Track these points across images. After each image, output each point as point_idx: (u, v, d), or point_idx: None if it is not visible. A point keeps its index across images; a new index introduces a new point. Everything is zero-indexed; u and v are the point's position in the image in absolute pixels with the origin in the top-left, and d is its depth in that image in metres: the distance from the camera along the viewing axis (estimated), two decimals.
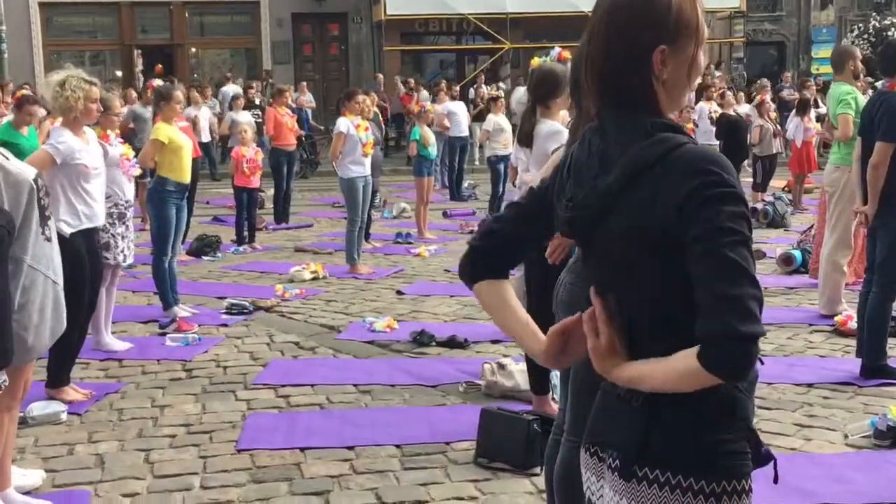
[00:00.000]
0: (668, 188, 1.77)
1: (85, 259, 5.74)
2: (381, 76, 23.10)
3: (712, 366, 1.70)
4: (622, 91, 1.88)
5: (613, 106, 1.90)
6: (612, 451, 1.91)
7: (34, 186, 3.46)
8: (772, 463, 1.90)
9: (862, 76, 8.63)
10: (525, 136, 5.38)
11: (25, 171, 3.50)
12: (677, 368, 1.74)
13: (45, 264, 3.68)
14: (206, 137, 17.70)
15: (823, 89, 17.27)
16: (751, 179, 14.84)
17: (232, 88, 20.79)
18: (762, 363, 1.84)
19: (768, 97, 15.71)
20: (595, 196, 1.86)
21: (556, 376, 5.42)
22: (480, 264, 2.07)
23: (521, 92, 12.57)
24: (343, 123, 9.84)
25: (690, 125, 14.09)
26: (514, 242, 2.08)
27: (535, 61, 6.18)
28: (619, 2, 1.88)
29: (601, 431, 1.97)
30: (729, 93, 15.43)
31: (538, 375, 5.36)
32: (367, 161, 9.88)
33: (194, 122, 16.63)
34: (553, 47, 6.32)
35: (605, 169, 1.87)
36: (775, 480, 1.93)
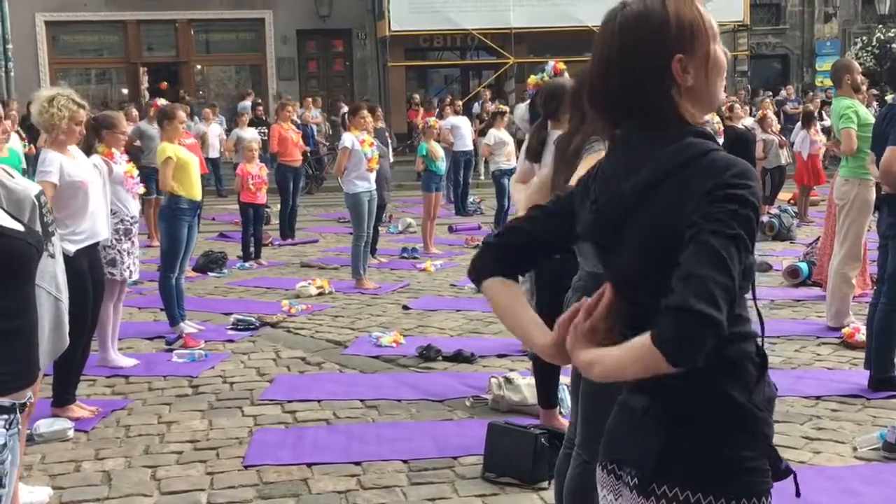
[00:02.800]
0: (691, 192, 1.76)
1: (88, 277, 5.74)
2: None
3: (660, 340, 1.65)
4: (643, 110, 1.87)
5: (636, 124, 1.90)
6: (630, 469, 1.89)
7: (35, 203, 3.46)
8: (791, 477, 1.89)
9: (864, 88, 8.62)
10: (534, 151, 5.37)
11: (28, 187, 3.50)
12: (633, 347, 1.71)
13: (48, 281, 3.68)
14: (214, 153, 17.77)
15: (829, 101, 17.27)
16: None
17: (249, 103, 20.88)
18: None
19: (769, 111, 15.70)
20: (622, 197, 1.85)
21: (564, 390, 5.41)
22: (494, 259, 2.02)
23: (522, 108, 12.61)
24: (348, 139, 9.86)
25: None
26: (530, 241, 2.03)
27: (532, 79, 6.22)
28: (617, 31, 1.88)
29: (619, 448, 1.94)
30: (737, 106, 15.41)
31: (546, 389, 5.35)
32: (373, 176, 9.89)
33: (203, 138, 16.74)
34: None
35: (631, 174, 1.85)
36: (797, 494, 1.91)
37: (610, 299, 1.83)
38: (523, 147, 5.90)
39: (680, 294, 1.65)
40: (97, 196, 5.99)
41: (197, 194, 7.92)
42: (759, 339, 1.89)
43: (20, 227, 2.65)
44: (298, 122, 18.98)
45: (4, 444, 2.49)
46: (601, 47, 1.91)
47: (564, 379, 5.43)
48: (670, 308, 1.65)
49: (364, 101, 16.45)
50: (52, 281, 3.74)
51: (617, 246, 1.87)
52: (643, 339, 1.68)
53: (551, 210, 2.06)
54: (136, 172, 7.33)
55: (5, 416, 2.51)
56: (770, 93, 23.63)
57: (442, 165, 12.87)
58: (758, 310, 1.90)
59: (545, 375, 5.32)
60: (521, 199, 4.80)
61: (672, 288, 1.68)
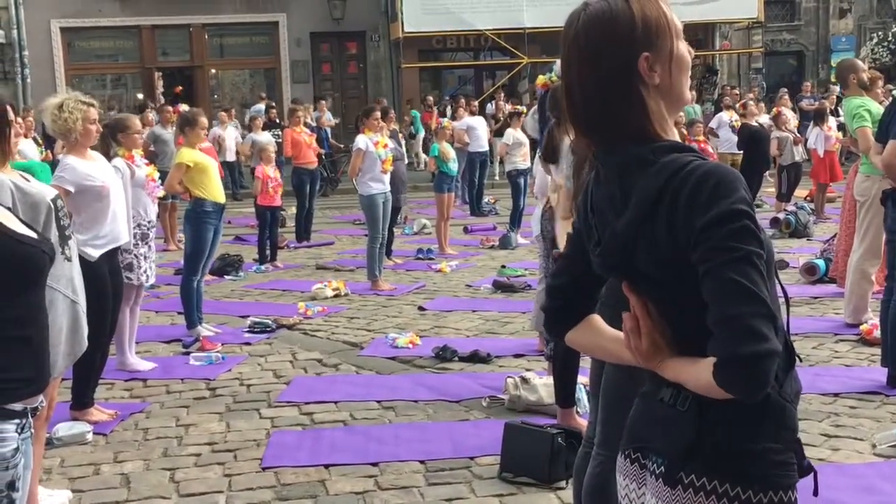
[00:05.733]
0: (677, 213, 1.76)
1: (108, 281, 5.77)
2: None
3: (726, 387, 1.70)
4: (614, 117, 1.86)
5: (610, 137, 1.89)
6: (656, 457, 1.89)
7: (52, 206, 3.48)
8: (812, 475, 1.89)
9: (881, 83, 8.57)
10: (552, 153, 5.38)
11: (44, 191, 3.53)
12: (703, 379, 1.74)
13: (64, 284, 3.70)
14: (231, 157, 17.82)
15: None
16: (773, 189, 14.78)
17: (263, 107, 20.99)
18: (800, 360, 1.82)
19: (784, 109, 15.65)
20: (616, 239, 1.86)
21: (580, 389, 5.41)
22: (558, 322, 2.08)
23: (530, 118, 12.55)
24: (362, 140, 9.88)
25: (702, 138, 14.02)
26: (577, 291, 2.05)
27: (541, 79, 6.21)
28: (581, 31, 1.87)
29: (644, 437, 1.94)
30: (751, 103, 15.34)
31: (564, 388, 5.33)
32: (387, 178, 9.91)
33: (220, 142, 16.80)
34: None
35: (623, 205, 1.86)
36: (815, 493, 1.91)
37: (643, 302, 1.84)
38: (537, 166, 5.88)
39: (723, 342, 1.69)
40: (118, 199, 6.00)
41: (220, 197, 7.95)
42: (786, 334, 1.88)
43: (34, 235, 2.67)
44: (313, 124, 19.01)
45: (17, 448, 2.51)
46: (570, 50, 1.90)
47: (582, 379, 5.43)
48: (722, 360, 1.69)
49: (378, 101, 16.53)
50: (68, 284, 3.77)
51: (636, 277, 1.87)
52: (711, 379, 1.71)
53: (571, 255, 2.08)
54: (157, 175, 7.36)
55: (17, 421, 2.53)
56: (786, 89, 23.49)
57: (454, 166, 12.88)
58: (787, 300, 1.90)
59: (564, 375, 5.31)
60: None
61: (713, 331, 1.71)
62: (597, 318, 2.04)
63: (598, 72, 1.86)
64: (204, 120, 8.25)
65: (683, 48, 1.90)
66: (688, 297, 1.77)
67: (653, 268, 1.82)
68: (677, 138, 1.90)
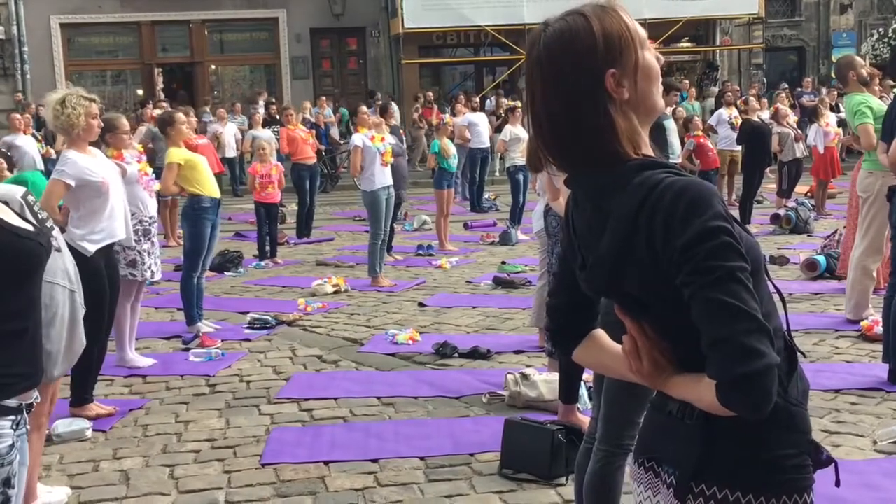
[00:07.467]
0: (655, 233, 1.72)
1: (105, 276, 5.76)
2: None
3: (731, 407, 1.67)
4: (582, 140, 1.81)
5: (579, 161, 1.85)
6: (668, 468, 1.87)
7: (22, 202, 3.46)
8: (833, 466, 1.88)
9: (879, 80, 8.57)
10: (534, 159, 5.37)
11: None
12: (707, 398, 1.71)
13: (60, 276, 3.69)
14: (231, 153, 17.83)
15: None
16: (774, 185, 14.77)
17: (262, 103, 21.01)
18: (804, 356, 1.80)
19: (780, 104, 15.59)
20: (600, 264, 1.83)
21: (583, 386, 5.39)
22: (563, 340, 2.07)
23: None
24: (358, 138, 9.90)
25: (700, 133, 13.99)
26: (575, 309, 2.03)
27: None
28: (543, 52, 1.82)
29: (655, 448, 1.93)
30: (752, 99, 15.30)
31: (569, 384, 5.29)
32: (388, 171, 9.90)
33: (218, 138, 16.82)
34: None
35: (600, 229, 1.83)
36: (837, 483, 1.91)
37: (638, 325, 1.82)
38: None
39: (719, 365, 1.66)
40: (117, 196, 6.00)
41: (215, 191, 7.93)
42: (786, 333, 1.86)
43: (31, 228, 2.65)
44: (312, 120, 18.99)
45: (12, 445, 2.50)
46: (533, 73, 1.85)
47: (585, 376, 5.41)
48: (721, 383, 1.66)
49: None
50: (64, 275, 3.75)
51: (625, 299, 1.85)
52: (715, 401, 1.68)
53: (563, 276, 2.06)
54: (149, 170, 7.34)
55: (12, 417, 2.52)
56: (786, 85, 23.45)
57: (454, 163, 12.87)
58: (782, 298, 1.88)
59: (569, 371, 5.28)
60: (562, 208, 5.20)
61: (707, 354, 1.68)
62: (600, 336, 2.02)
63: (562, 94, 1.81)
64: (180, 116, 8.17)
65: (650, 57, 1.85)
66: (678, 315, 1.74)
67: (640, 289, 1.80)
68: (650, 152, 1.85)
